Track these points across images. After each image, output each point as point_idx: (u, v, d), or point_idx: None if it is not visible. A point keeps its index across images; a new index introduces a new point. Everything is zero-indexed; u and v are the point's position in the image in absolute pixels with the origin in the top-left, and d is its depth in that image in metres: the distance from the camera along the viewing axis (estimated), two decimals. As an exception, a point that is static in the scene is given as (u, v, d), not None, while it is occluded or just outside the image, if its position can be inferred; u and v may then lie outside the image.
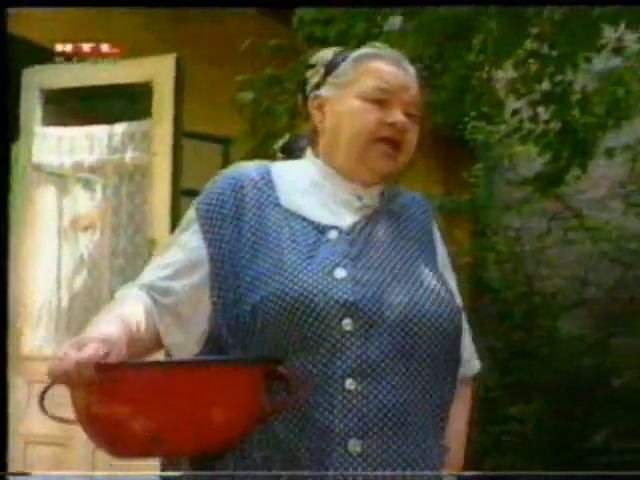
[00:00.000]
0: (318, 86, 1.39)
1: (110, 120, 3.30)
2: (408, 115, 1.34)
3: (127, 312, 1.23)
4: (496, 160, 4.92)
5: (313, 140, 1.40)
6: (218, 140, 3.93)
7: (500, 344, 4.59)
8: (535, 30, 3.48)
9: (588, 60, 3.73)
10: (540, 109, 3.95)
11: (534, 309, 4.89)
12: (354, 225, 1.31)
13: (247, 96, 3.35)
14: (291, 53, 3.29)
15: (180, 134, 3.17)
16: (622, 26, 3.42)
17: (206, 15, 3.54)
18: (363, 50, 1.39)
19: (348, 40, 3.14)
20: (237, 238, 1.27)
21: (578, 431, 3.70)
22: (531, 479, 1.92)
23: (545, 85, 3.84)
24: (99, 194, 3.29)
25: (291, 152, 1.47)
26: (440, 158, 5.57)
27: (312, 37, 3.25)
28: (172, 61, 3.15)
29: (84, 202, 3.29)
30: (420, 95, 1.37)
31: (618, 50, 3.85)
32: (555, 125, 3.95)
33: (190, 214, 1.33)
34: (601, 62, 3.94)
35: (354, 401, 1.17)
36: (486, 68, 3.75)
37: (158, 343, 1.26)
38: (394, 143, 1.32)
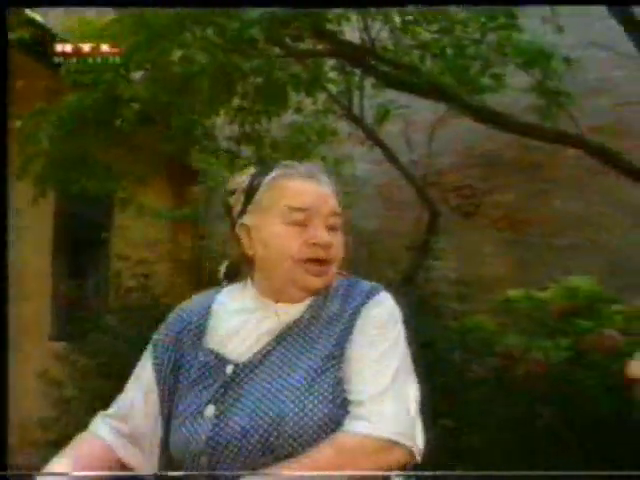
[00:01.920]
0: (241, 214, 1.37)
1: None
2: (330, 227, 1.33)
3: (81, 448, 1.34)
4: (214, 183, 5.59)
5: (247, 264, 1.40)
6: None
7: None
8: (240, 90, 4.56)
9: (276, 113, 4.76)
10: (243, 147, 5.12)
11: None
12: (259, 351, 1.29)
13: (16, 124, 4.18)
14: (55, 93, 4.29)
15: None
16: (303, 92, 4.61)
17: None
18: (274, 172, 1.36)
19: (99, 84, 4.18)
20: (176, 378, 1.34)
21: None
22: (531, 479, 1.89)
23: (247, 129, 5.00)
24: None
25: (233, 277, 1.46)
26: (173, 180, 6.60)
27: (75, 81, 4.15)
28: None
29: None
30: (337, 203, 1.36)
31: (299, 109, 5.08)
32: (253, 159, 5.09)
33: (149, 347, 1.41)
34: (289, 117, 5.12)
35: None
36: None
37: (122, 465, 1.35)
38: (321, 261, 1.31)
